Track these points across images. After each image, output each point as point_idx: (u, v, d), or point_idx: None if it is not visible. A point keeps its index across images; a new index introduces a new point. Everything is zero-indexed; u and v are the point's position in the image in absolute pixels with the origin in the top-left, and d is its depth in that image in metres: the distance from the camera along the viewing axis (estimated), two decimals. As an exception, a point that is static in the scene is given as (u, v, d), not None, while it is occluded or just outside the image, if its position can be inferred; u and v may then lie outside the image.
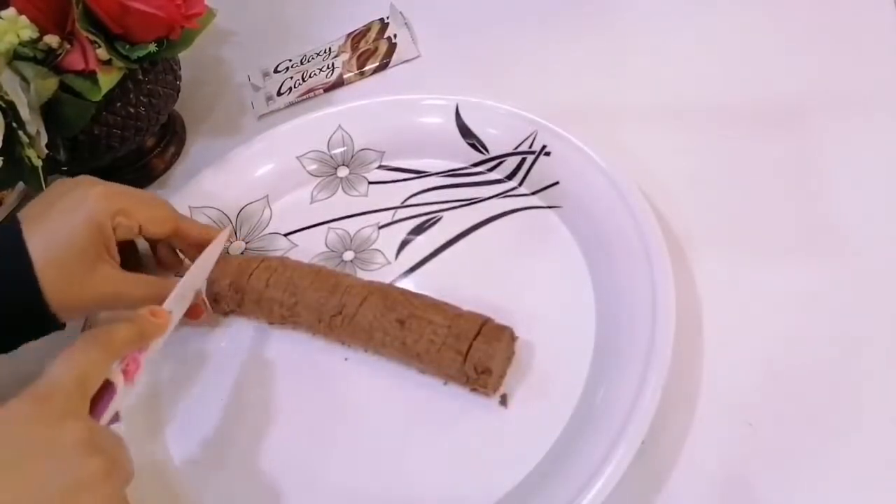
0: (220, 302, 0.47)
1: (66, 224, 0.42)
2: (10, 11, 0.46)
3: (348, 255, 0.50)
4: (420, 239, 0.50)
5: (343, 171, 0.55)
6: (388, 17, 0.66)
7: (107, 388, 0.35)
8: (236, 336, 0.48)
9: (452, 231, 0.50)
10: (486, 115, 0.52)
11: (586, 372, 0.41)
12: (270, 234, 0.53)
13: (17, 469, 0.31)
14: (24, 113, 0.45)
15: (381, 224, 0.51)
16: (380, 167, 0.55)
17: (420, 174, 0.53)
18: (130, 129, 0.55)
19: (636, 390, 0.37)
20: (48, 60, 0.49)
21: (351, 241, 0.51)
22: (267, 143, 0.56)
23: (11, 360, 0.43)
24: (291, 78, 0.64)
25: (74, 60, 0.48)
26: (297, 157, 0.55)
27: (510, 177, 0.51)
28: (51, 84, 0.48)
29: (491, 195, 0.51)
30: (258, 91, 0.64)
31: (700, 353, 0.41)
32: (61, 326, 0.44)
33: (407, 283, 0.47)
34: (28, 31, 0.46)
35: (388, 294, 0.44)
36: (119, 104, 0.54)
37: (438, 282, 0.47)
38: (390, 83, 0.62)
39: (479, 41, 0.62)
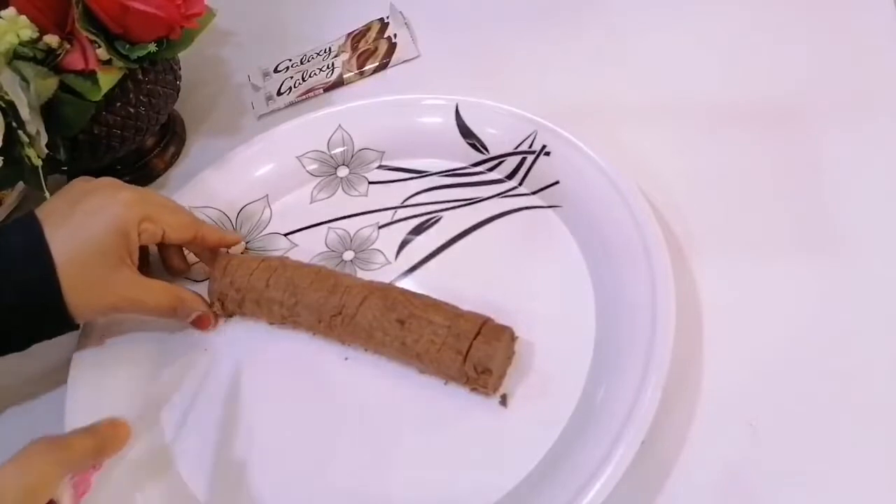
0: (223, 302, 0.47)
1: (91, 227, 0.42)
2: (10, 11, 0.46)
3: (348, 255, 0.50)
4: (420, 239, 0.50)
5: (343, 171, 0.55)
6: (388, 17, 0.66)
7: None
8: (236, 336, 0.48)
9: (452, 231, 0.50)
10: (486, 114, 0.52)
11: (586, 372, 0.41)
12: (270, 233, 0.53)
13: None
14: (24, 113, 0.45)
15: (380, 224, 0.51)
16: (380, 167, 0.55)
17: (420, 174, 0.53)
18: (130, 129, 0.55)
19: (636, 390, 0.37)
20: (48, 60, 0.49)
21: (351, 240, 0.51)
22: (267, 143, 0.56)
23: (20, 358, 0.43)
24: (291, 78, 0.64)
25: (74, 60, 0.49)
26: (297, 157, 0.55)
27: (510, 176, 0.51)
28: (51, 84, 0.48)
29: (491, 195, 0.51)
30: (258, 91, 0.64)
31: (700, 353, 0.41)
32: (76, 327, 0.44)
33: (407, 283, 0.47)
34: (28, 31, 0.47)
35: (387, 294, 0.44)
36: (119, 104, 0.54)
37: (438, 282, 0.47)
38: (390, 83, 0.62)
39: (480, 41, 0.62)
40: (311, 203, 0.54)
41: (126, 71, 0.52)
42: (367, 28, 0.66)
